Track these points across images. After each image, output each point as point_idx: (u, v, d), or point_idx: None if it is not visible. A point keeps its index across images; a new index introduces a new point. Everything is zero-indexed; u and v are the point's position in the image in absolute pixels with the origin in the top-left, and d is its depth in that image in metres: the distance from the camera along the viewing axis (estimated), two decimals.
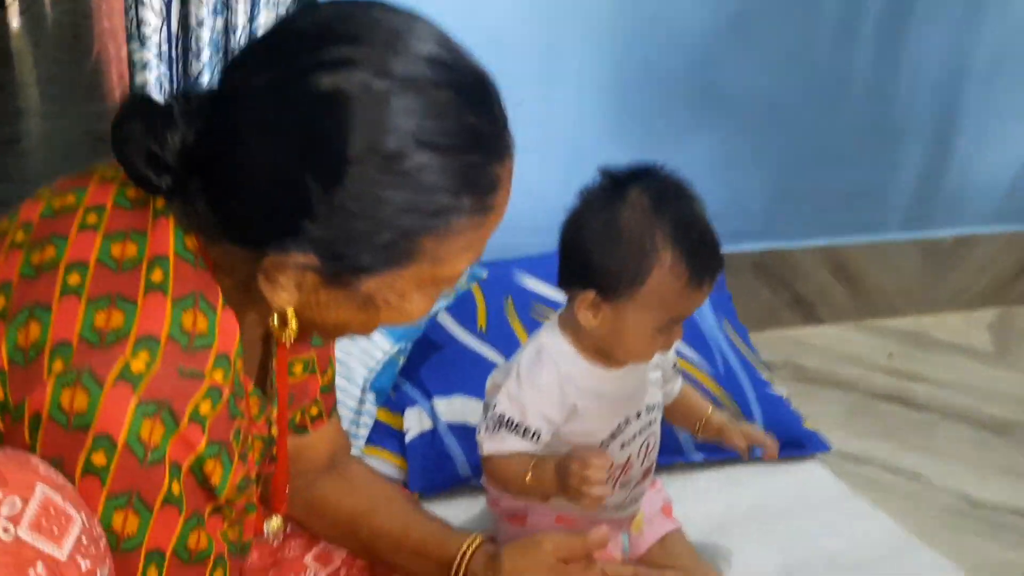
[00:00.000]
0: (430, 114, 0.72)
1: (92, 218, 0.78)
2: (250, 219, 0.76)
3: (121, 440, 0.70)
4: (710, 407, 1.35)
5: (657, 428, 1.30)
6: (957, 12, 2.13)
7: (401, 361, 1.58)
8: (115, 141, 0.78)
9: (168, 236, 0.78)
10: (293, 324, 0.80)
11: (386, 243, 0.75)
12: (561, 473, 1.08)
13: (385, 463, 1.55)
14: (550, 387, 1.17)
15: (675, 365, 1.35)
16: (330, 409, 1.14)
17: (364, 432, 1.54)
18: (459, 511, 1.51)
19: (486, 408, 1.21)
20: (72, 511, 0.67)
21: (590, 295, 1.13)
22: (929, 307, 2.39)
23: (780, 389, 1.82)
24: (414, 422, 1.57)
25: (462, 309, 1.70)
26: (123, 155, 0.77)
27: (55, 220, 0.79)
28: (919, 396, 2.01)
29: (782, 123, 2.08)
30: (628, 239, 1.10)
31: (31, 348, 0.72)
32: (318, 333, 0.88)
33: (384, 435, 1.57)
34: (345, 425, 1.53)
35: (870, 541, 1.51)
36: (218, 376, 0.75)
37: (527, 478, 1.12)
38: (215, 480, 0.75)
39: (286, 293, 0.78)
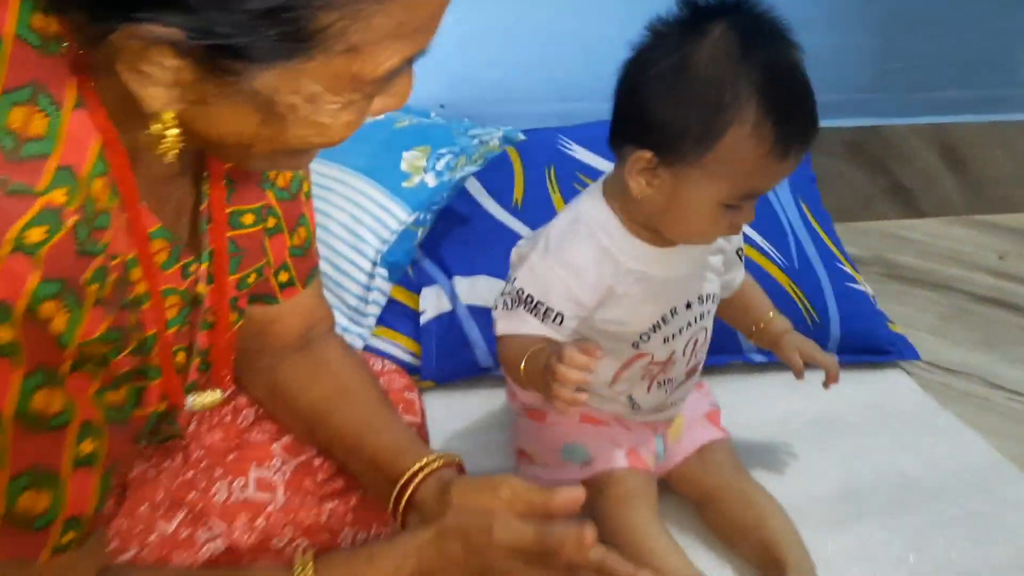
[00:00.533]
0: None
1: None
2: None
3: None
4: (771, 310, 1.17)
5: (710, 323, 1.10)
6: None
7: (420, 233, 1.39)
8: None
9: (8, 12, 0.60)
10: (173, 132, 0.62)
11: (271, 12, 0.56)
12: (545, 368, 0.87)
13: (397, 346, 1.39)
14: (584, 263, 0.98)
15: (740, 251, 1.13)
16: (306, 275, 0.97)
17: (374, 311, 1.37)
18: (476, 403, 1.36)
19: (507, 282, 1.02)
20: None
21: (646, 155, 0.92)
22: None
23: (866, 286, 1.56)
24: (431, 302, 1.39)
25: (495, 177, 1.49)
26: None
27: None
28: None
29: None
30: (703, 86, 0.88)
31: None
32: (223, 156, 0.71)
33: (398, 315, 1.40)
34: (352, 300, 1.37)
35: (956, 464, 1.29)
36: (58, 196, 0.58)
37: (521, 368, 0.93)
38: (56, 327, 0.59)
39: (159, 89, 0.60)
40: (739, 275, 1.16)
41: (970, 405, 1.44)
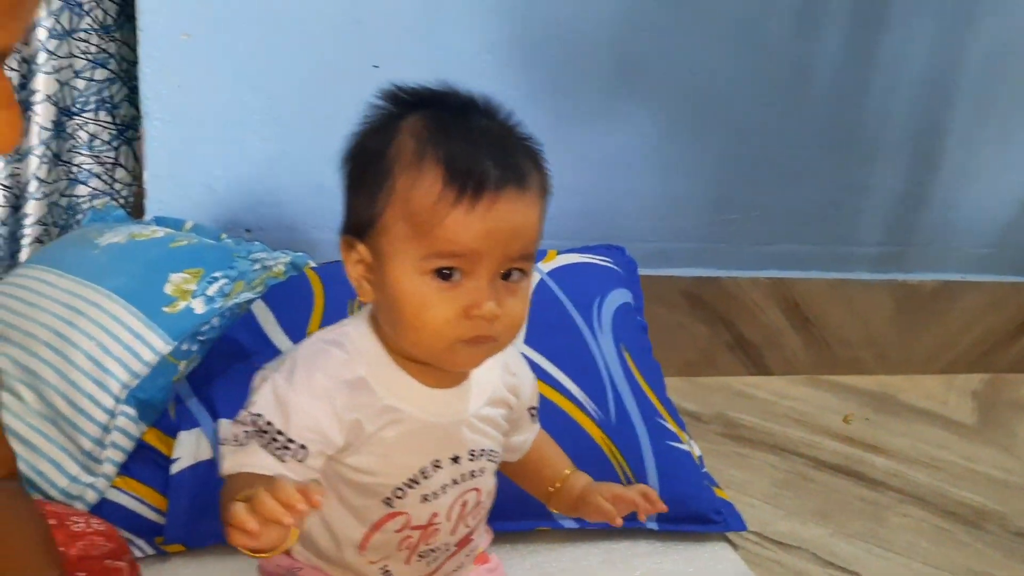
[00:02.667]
0: None
1: None
2: None
3: None
4: (568, 467, 1.00)
5: (485, 484, 0.93)
6: (949, 4, 1.77)
7: (182, 367, 1.20)
8: None
9: None
10: None
11: None
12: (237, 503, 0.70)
13: (140, 500, 1.17)
14: (334, 388, 0.82)
15: (533, 409, 0.98)
16: None
17: (114, 456, 1.16)
18: (233, 570, 1.13)
19: (243, 409, 0.84)
20: None
21: (347, 238, 0.85)
22: (901, 365, 2.02)
23: (691, 445, 1.43)
24: (188, 448, 1.19)
25: (289, 304, 1.33)
26: None
27: None
28: (875, 470, 1.63)
29: (726, 119, 1.72)
30: (373, 154, 0.83)
31: None
32: None
33: (148, 464, 1.19)
34: (87, 445, 1.16)
35: None
36: None
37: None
38: None
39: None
40: (530, 436, 1.00)
41: None
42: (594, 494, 0.97)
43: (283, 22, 1.48)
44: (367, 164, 0.84)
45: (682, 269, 1.79)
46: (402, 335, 0.84)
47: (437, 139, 0.81)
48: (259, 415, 0.82)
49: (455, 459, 0.89)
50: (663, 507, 0.95)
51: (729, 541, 1.34)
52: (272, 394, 0.83)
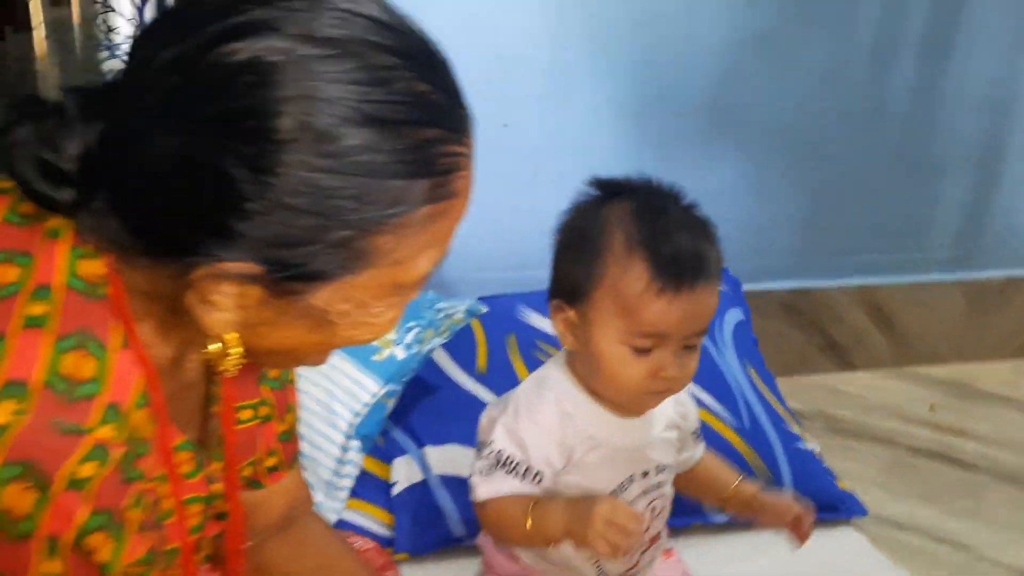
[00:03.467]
0: (371, 81, 0.61)
1: None
2: (169, 226, 0.63)
3: None
4: (738, 477, 1.19)
5: (668, 491, 1.15)
6: (1005, 35, 1.98)
7: (390, 405, 1.43)
8: (3, 151, 0.65)
9: (55, 263, 0.65)
10: (236, 351, 0.68)
11: (334, 243, 0.63)
12: (578, 513, 0.93)
13: (370, 518, 1.40)
14: (551, 423, 1.04)
15: (697, 431, 1.20)
16: (291, 458, 1.00)
17: (347, 483, 1.39)
18: (452, 573, 1.36)
19: (481, 447, 1.06)
20: None
21: (557, 301, 1.05)
22: (974, 354, 2.22)
23: (811, 444, 1.64)
24: (402, 473, 1.42)
25: (460, 347, 1.55)
26: (13, 168, 0.65)
27: None
28: (966, 454, 1.84)
29: (812, 151, 1.93)
30: (587, 235, 1.02)
31: None
32: (263, 362, 0.75)
33: (370, 487, 1.42)
34: (326, 475, 1.39)
35: None
36: (105, 432, 0.62)
37: (527, 523, 0.97)
38: (101, 556, 0.62)
39: (224, 314, 0.65)
40: (698, 451, 1.20)
41: (919, 561, 1.51)
42: (768, 507, 1.15)
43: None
44: (580, 244, 1.03)
45: (778, 282, 2.01)
46: (599, 384, 1.05)
47: (643, 235, 0.98)
48: (500, 451, 1.04)
49: (644, 474, 1.11)
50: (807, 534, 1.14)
51: (854, 526, 1.55)
52: (506, 433, 1.05)
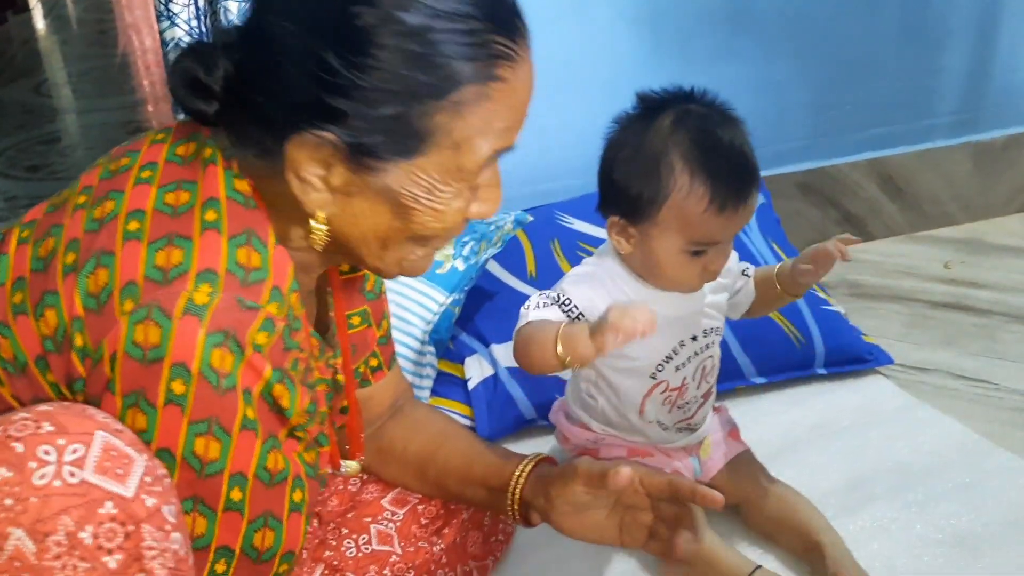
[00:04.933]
0: None
1: (146, 174, 0.82)
2: (275, 109, 0.78)
3: (195, 369, 0.74)
4: (776, 267, 1.26)
5: (716, 352, 1.31)
6: None
7: (456, 312, 1.60)
8: (170, 77, 0.82)
9: (218, 181, 0.81)
10: (321, 228, 0.82)
11: (399, 116, 0.76)
12: (599, 320, 0.96)
13: (452, 411, 1.58)
14: (601, 295, 1.16)
15: (745, 271, 1.31)
16: (389, 359, 1.17)
17: (427, 383, 1.57)
18: (526, 451, 1.54)
19: (541, 294, 1.15)
20: (133, 452, 0.71)
21: (617, 220, 1.15)
22: (984, 212, 2.34)
23: (838, 306, 1.80)
24: (475, 369, 1.60)
25: (510, 256, 1.71)
26: (175, 88, 0.81)
27: (112, 180, 0.83)
28: (980, 302, 1.98)
29: (812, 33, 2.04)
30: (646, 160, 1.10)
31: (102, 293, 0.76)
32: (358, 249, 0.86)
33: (448, 385, 1.60)
34: (409, 378, 1.56)
35: (939, 447, 1.50)
36: (272, 308, 0.78)
37: (557, 348, 0.99)
38: (284, 403, 0.79)
39: (317, 193, 0.80)
40: (751, 283, 1.30)
41: (942, 396, 1.66)
42: (804, 262, 1.20)
43: None
44: (639, 167, 1.10)
45: (793, 165, 2.13)
46: (656, 281, 1.18)
47: (700, 161, 1.07)
48: (559, 294, 1.14)
49: (694, 338, 1.26)
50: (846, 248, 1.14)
51: (882, 374, 1.72)
52: (563, 289, 1.15)
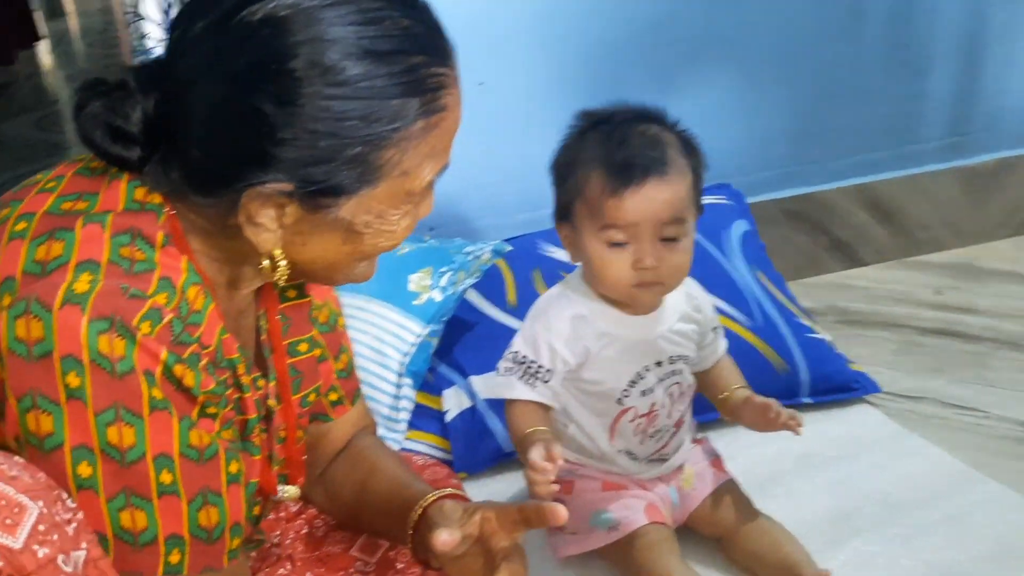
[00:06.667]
0: (364, 21, 0.76)
1: (51, 184, 0.83)
2: (219, 161, 0.78)
3: (86, 359, 0.73)
4: (737, 385, 1.30)
5: (686, 379, 1.29)
6: None
7: (434, 343, 1.58)
8: (79, 124, 0.81)
9: (119, 194, 0.81)
10: (283, 263, 0.83)
11: (351, 159, 0.77)
12: (522, 457, 1.09)
13: (429, 445, 1.56)
14: (561, 326, 1.21)
15: (716, 328, 1.33)
16: (352, 394, 1.14)
17: (404, 416, 1.55)
18: (505, 486, 1.52)
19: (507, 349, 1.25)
20: (26, 500, 0.69)
21: (559, 224, 1.23)
22: (974, 237, 2.32)
23: (823, 333, 1.78)
24: (453, 402, 1.57)
25: (490, 285, 1.69)
26: (88, 137, 0.81)
27: (16, 192, 0.84)
28: (971, 328, 1.96)
29: (795, 60, 2.03)
30: (567, 162, 1.20)
31: None
32: (313, 277, 0.89)
33: (425, 418, 1.58)
34: (384, 411, 1.54)
35: (928, 478, 1.47)
36: (160, 299, 0.78)
37: (518, 438, 1.17)
38: (188, 382, 0.78)
39: (269, 233, 0.81)
40: (719, 348, 1.34)
41: (931, 426, 1.63)
42: (750, 408, 1.24)
43: None
44: (563, 169, 1.21)
45: (779, 192, 2.12)
46: (597, 284, 1.22)
47: (603, 147, 1.16)
48: (517, 351, 1.22)
49: (659, 363, 1.25)
50: (798, 425, 1.18)
51: (869, 402, 1.69)
52: (522, 335, 1.23)
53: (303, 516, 1.17)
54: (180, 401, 0.78)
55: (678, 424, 1.31)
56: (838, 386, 1.68)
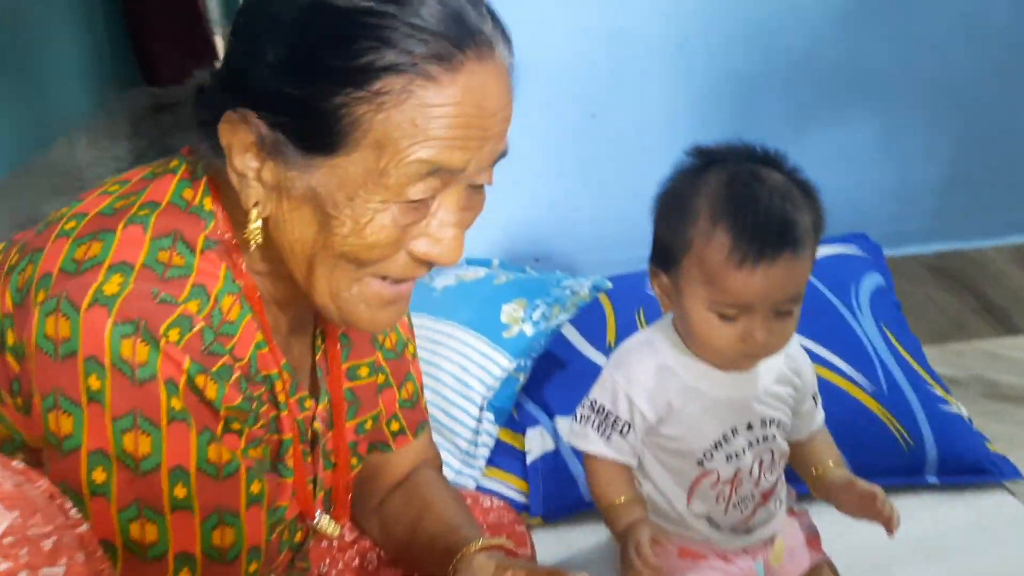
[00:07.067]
0: None
1: (114, 187, 0.83)
2: (215, 87, 0.78)
3: (107, 362, 0.72)
4: (832, 461, 1.18)
5: (779, 446, 1.17)
6: None
7: (521, 379, 1.51)
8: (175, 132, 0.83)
9: (168, 186, 0.81)
10: (255, 225, 0.78)
11: (311, 97, 0.73)
12: (621, 540, 1.04)
13: (507, 485, 1.49)
14: (644, 377, 1.11)
15: (816, 394, 1.20)
16: (415, 426, 1.08)
17: (483, 452, 1.48)
18: (583, 536, 1.43)
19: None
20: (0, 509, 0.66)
21: (654, 268, 1.10)
22: None
23: (960, 407, 1.59)
24: (536, 442, 1.50)
25: (589, 322, 1.61)
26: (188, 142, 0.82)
27: (87, 193, 0.84)
28: None
29: (950, 104, 1.87)
30: (677, 205, 1.06)
31: (25, 286, 0.76)
32: (289, 265, 0.82)
33: (506, 456, 1.51)
34: (463, 444, 1.49)
35: None
36: (192, 306, 0.75)
37: (604, 505, 1.10)
38: (210, 394, 0.75)
39: (253, 187, 0.77)
40: (815, 421, 1.20)
41: None
42: (849, 495, 1.13)
43: (556, 80, 1.77)
44: (673, 212, 1.07)
45: (924, 245, 1.94)
46: (694, 346, 1.10)
47: (727, 204, 1.02)
48: (594, 400, 1.13)
49: (749, 426, 1.13)
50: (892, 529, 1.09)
51: (1008, 490, 1.49)
52: (601, 383, 1.13)
53: (356, 547, 1.13)
54: (202, 414, 0.76)
55: (766, 495, 1.18)
56: (971, 467, 1.49)
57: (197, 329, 0.75)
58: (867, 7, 1.79)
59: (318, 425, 0.94)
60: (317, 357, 0.95)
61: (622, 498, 1.08)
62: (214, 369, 0.76)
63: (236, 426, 0.79)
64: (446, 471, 1.47)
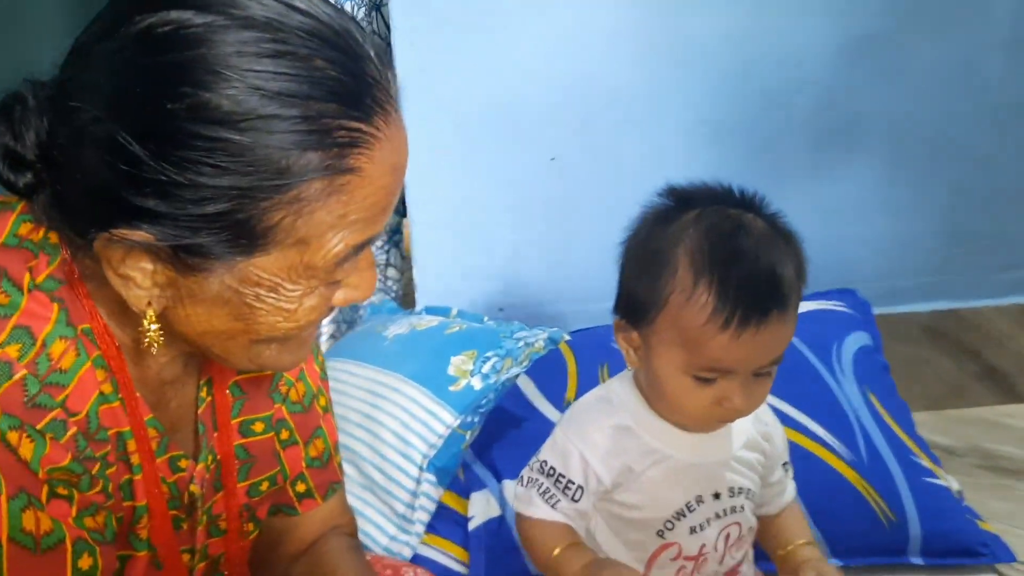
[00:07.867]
0: (263, 53, 0.64)
1: None
2: (81, 197, 0.68)
3: None
4: (802, 540, 1.07)
5: (747, 519, 1.05)
6: None
7: (468, 436, 1.40)
8: None
9: (4, 227, 0.72)
10: (148, 323, 0.71)
11: (221, 215, 0.65)
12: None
13: (446, 554, 1.37)
14: (599, 438, 0.99)
15: (786, 464, 1.08)
16: (325, 488, 0.99)
17: (422, 517, 1.37)
18: None
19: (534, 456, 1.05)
20: None
21: (620, 320, 0.98)
22: None
23: (949, 480, 1.45)
24: (480, 507, 1.38)
25: (549, 377, 1.50)
26: None
27: None
28: None
29: (946, 156, 1.77)
30: (651, 254, 0.94)
31: None
32: (211, 355, 0.76)
33: (447, 521, 1.39)
34: (400, 508, 1.37)
35: None
36: (11, 351, 0.67)
37: (551, 557, 0.97)
38: (24, 453, 0.66)
39: (140, 290, 0.69)
40: (785, 494, 1.09)
41: None
42: (820, 567, 1.01)
43: (521, 127, 1.69)
44: (645, 262, 0.94)
45: (919, 304, 1.83)
46: (661, 408, 0.99)
47: (710, 259, 0.90)
48: (545, 461, 1.01)
49: (716, 495, 1.01)
50: None
51: (1000, 573, 1.36)
52: (553, 444, 1.02)
53: None
54: (16, 475, 0.66)
55: (731, 573, 1.06)
56: (960, 548, 1.36)
57: (18, 377, 0.67)
58: (854, 51, 1.70)
59: (195, 488, 0.84)
60: (200, 411, 0.85)
61: (561, 545, 0.97)
62: (40, 425, 0.67)
63: (63, 491, 0.69)
64: (379, 536, 1.36)
